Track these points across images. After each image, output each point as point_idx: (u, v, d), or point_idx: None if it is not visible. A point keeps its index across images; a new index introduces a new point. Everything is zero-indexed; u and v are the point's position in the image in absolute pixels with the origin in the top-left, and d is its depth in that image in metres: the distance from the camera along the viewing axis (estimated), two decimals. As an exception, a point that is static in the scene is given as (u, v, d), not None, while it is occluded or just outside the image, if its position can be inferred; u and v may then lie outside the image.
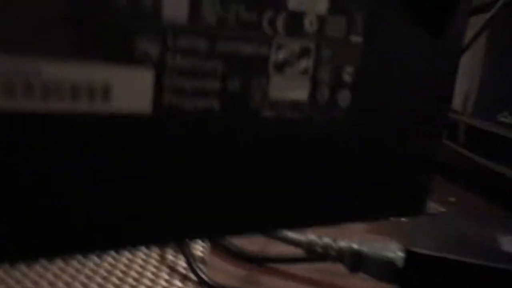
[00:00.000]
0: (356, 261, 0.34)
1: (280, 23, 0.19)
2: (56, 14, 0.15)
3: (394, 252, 0.32)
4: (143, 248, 0.38)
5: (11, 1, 0.14)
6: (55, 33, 0.15)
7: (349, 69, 0.21)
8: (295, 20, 0.19)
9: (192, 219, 0.19)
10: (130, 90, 0.17)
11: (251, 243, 0.39)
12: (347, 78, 0.21)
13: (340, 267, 0.34)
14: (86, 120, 0.16)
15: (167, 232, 0.19)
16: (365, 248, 0.33)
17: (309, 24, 0.20)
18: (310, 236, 0.35)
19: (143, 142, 0.17)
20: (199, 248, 0.39)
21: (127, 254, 0.37)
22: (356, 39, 0.21)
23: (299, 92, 0.20)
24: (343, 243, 0.34)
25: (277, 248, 0.38)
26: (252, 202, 0.20)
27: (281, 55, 0.19)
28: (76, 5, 0.15)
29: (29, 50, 0.15)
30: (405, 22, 0.22)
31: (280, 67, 0.20)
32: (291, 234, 0.36)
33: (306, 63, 0.20)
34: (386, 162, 0.24)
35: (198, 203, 0.19)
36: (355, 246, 0.34)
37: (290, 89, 0.20)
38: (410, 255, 0.28)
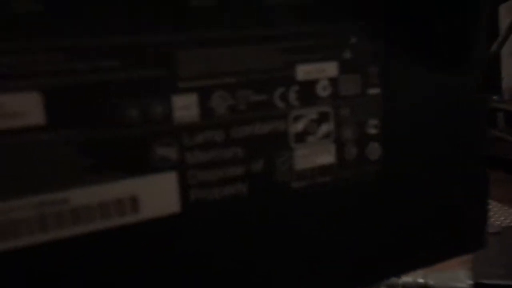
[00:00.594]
0: (426, 296, 0.32)
1: (292, 96, 0.19)
2: (72, 145, 0.16)
3: (463, 281, 0.31)
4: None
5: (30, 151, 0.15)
6: (74, 161, 0.16)
7: (372, 121, 0.21)
8: (307, 90, 0.19)
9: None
10: (157, 195, 0.17)
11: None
12: (372, 130, 0.21)
13: (409, 304, 0.33)
14: (117, 233, 0.16)
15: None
16: (431, 281, 0.32)
17: (323, 89, 0.20)
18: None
19: (176, 239, 0.18)
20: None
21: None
22: (374, 91, 0.21)
23: (326, 157, 0.20)
24: (408, 279, 0.33)
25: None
26: (298, 269, 0.20)
27: (300, 126, 0.19)
28: (89, 131, 0.16)
29: (55, 184, 0.15)
30: (421, 65, 0.22)
31: (301, 137, 0.20)
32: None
33: (327, 127, 0.20)
34: (432, 204, 0.23)
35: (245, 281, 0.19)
36: (420, 280, 0.32)
37: (315, 156, 0.20)
38: (479, 287, 0.27)
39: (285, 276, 0.20)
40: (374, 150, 0.21)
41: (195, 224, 0.18)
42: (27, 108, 0.15)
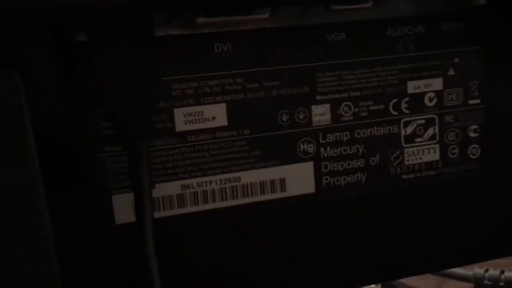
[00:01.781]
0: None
1: (403, 106, 0.25)
2: (245, 140, 0.23)
3: None
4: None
5: None
6: (246, 152, 0.23)
7: (473, 127, 0.26)
8: (416, 101, 0.25)
9: (353, 270, 0.25)
10: (298, 179, 0.24)
11: (427, 284, 0.42)
12: (473, 134, 0.26)
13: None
14: (271, 206, 0.23)
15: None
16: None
17: (429, 101, 0.25)
18: (476, 270, 0.38)
19: (311, 215, 0.24)
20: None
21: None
22: (475, 101, 0.25)
23: (431, 155, 0.25)
24: (510, 274, 0.36)
25: (450, 285, 0.41)
26: (403, 249, 0.26)
27: (410, 130, 0.25)
28: (256, 131, 0.23)
29: (233, 167, 0.23)
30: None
31: (411, 138, 0.25)
32: (459, 271, 0.39)
33: (432, 130, 0.25)
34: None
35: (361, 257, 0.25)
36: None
37: (422, 154, 0.25)
38: None
39: (391, 250, 0.25)
40: (475, 151, 0.26)
41: (325, 202, 0.24)
42: (216, 114, 0.22)
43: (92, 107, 0.20)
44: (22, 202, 0.18)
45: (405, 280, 0.43)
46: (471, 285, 0.38)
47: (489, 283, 0.37)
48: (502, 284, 0.36)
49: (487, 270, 0.37)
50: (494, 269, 0.37)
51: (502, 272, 0.37)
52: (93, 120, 0.20)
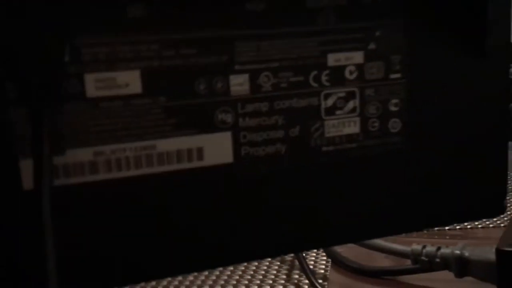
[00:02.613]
0: (462, 266, 0.36)
1: (324, 78, 0.25)
2: (160, 108, 0.23)
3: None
4: (273, 270, 0.45)
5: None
6: (161, 120, 0.23)
7: (394, 101, 0.26)
8: (336, 73, 0.25)
9: (286, 235, 0.25)
10: (216, 148, 0.24)
11: (363, 260, 0.43)
12: (393, 108, 0.26)
13: (446, 274, 0.37)
14: (187, 174, 0.23)
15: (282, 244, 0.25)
16: (467, 252, 0.36)
17: (349, 74, 0.25)
18: (414, 246, 0.39)
19: (228, 183, 0.24)
20: (321, 266, 0.45)
21: (259, 274, 0.44)
22: (396, 76, 0.26)
23: (352, 128, 0.26)
24: (446, 250, 0.37)
25: (385, 261, 0.42)
26: (328, 220, 0.26)
27: (330, 102, 0.25)
28: (172, 99, 0.23)
29: (148, 135, 0.23)
30: (443, 49, 0.26)
31: (331, 111, 0.25)
32: (398, 247, 0.40)
33: (353, 103, 0.26)
34: (451, 170, 0.27)
35: (293, 219, 0.25)
36: (458, 251, 0.36)
37: (343, 126, 0.26)
38: (500, 253, 0.31)
39: (312, 226, 0.26)
40: (395, 125, 0.26)
41: (244, 173, 0.24)
42: (130, 81, 0.22)
43: (-4, 68, 0.20)
44: None
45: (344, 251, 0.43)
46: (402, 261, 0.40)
47: (426, 259, 0.38)
48: (438, 260, 0.37)
49: (424, 247, 0.39)
50: (432, 245, 0.38)
51: (439, 248, 0.38)
52: (-3, 82, 0.20)
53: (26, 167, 0.21)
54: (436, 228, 0.48)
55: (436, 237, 0.47)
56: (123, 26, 0.22)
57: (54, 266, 0.19)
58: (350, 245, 0.43)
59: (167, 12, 0.22)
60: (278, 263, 0.45)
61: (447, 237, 0.48)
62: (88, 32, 0.21)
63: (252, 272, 0.44)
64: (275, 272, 0.45)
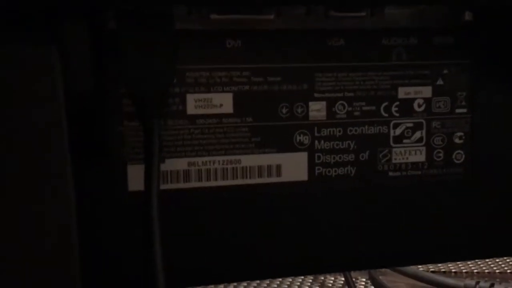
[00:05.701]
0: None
1: (394, 109, 0.28)
2: (247, 128, 0.26)
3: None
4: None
5: None
6: (247, 138, 0.26)
7: (458, 134, 0.29)
8: (405, 105, 0.28)
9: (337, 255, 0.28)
10: (293, 166, 0.27)
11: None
12: (458, 141, 0.29)
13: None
14: (266, 188, 0.27)
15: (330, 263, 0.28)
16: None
17: (418, 106, 0.28)
18: (467, 281, 0.40)
19: (301, 200, 0.27)
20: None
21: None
22: (461, 110, 0.29)
23: (417, 156, 0.28)
24: (500, 287, 0.38)
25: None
26: (388, 242, 0.29)
27: (398, 131, 0.28)
28: (258, 120, 0.26)
29: (235, 150, 0.26)
30: (506, 88, 0.29)
31: (399, 139, 0.28)
32: (450, 281, 0.42)
33: (420, 134, 0.28)
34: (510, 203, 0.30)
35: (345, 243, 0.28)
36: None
37: (409, 154, 0.28)
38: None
39: (375, 240, 0.28)
40: (459, 156, 0.29)
41: (316, 190, 0.28)
42: (224, 102, 0.26)
43: (116, 86, 0.24)
44: (50, 164, 0.21)
45: (396, 285, 0.45)
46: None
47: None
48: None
49: (478, 283, 0.40)
50: (485, 281, 0.40)
51: (492, 285, 0.39)
52: (116, 97, 0.24)
53: (132, 172, 0.25)
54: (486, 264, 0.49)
55: (486, 271, 0.48)
56: (221, 55, 0.26)
57: (161, 264, 0.22)
58: (400, 277, 0.45)
59: (259, 45, 0.26)
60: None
61: (497, 278, 0.48)
62: (193, 59, 0.25)
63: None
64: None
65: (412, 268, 0.44)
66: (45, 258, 0.20)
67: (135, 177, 0.25)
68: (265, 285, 0.46)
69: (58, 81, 0.21)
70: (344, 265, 0.29)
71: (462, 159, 0.29)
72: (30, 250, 0.20)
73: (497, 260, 0.50)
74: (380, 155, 0.28)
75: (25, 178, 0.20)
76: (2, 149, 0.20)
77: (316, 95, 0.27)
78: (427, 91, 0.28)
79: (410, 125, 0.28)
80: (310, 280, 0.47)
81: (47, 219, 0.21)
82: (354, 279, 0.43)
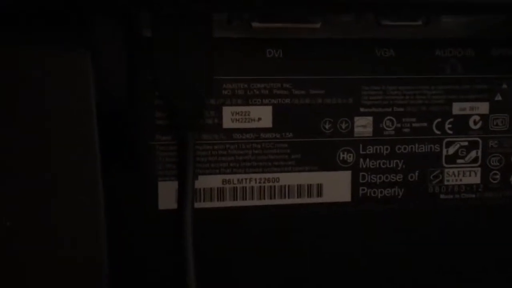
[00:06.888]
0: None
1: (447, 126, 0.26)
2: (287, 144, 0.25)
3: None
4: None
5: None
6: (287, 154, 0.25)
7: (518, 154, 0.26)
8: (460, 122, 0.26)
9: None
10: (335, 186, 0.25)
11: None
12: (517, 162, 0.26)
13: None
14: (305, 209, 0.25)
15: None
16: None
17: (473, 123, 0.26)
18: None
19: (343, 222, 0.25)
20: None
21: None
22: (521, 129, 0.26)
23: (472, 178, 0.26)
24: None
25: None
26: (439, 270, 0.26)
27: (452, 150, 0.26)
28: (299, 135, 0.25)
29: (273, 167, 0.25)
30: None
31: (452, 159, 0.26)
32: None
33: (475, 153, 0.26)
34: None
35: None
36: None
37: (463, 176, 0.26)
38: None
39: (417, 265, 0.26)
40: (518, 178, 0.26)
41: (359, 212, 0.26)
42: (263, 116, 0.24)
43: (150, 98, 0.23)
44: (81, 174, 0.20)
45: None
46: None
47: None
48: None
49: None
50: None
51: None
52: (149, 110, 0.23)
53: (162, 189, 0.24)
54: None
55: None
56: (261, 65, 0.24)
57: (194, 280, 0.20)
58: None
59: (301, 55, 0.24)
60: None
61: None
62: (230, 69, 0.24)
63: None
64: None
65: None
66: (73, 274, 0.19)
67: (166, 195, 0.24)
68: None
69: (91, 89, 0.20)
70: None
71: (522, 182, 0.27)
72: (59, 266, 0.19)
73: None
74: (431, 176, 0.26)
75: (56, 193, 0.19)
76: (30, 161, 0.19)
77: (362, 109, 0.25)
78: (484, 107, 0.26)
79: (465, 143, 0.26)
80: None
81: (76, 235, 0.20)
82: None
